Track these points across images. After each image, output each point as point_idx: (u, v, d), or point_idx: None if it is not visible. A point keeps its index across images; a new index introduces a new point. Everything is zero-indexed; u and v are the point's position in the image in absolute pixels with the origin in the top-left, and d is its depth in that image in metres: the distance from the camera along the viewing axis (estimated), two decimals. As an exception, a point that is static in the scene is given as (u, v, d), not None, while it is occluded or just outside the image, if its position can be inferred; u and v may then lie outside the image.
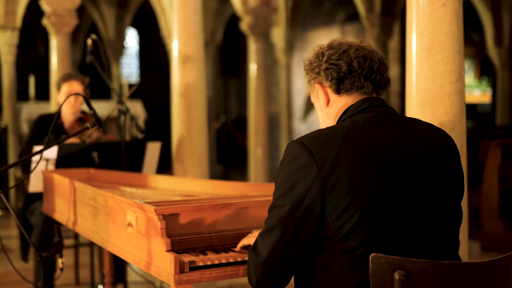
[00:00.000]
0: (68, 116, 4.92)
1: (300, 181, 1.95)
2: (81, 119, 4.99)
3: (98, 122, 3.16)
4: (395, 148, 1.99)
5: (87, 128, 3.19)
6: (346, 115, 2.09)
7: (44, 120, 4.89)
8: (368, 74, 2.09)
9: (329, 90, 2.14)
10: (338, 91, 2.12)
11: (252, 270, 2.05)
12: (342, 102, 2.13)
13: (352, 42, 2.14)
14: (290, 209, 1.96)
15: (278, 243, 1.98)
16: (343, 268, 1.94)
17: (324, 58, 2.12)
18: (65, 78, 4.92)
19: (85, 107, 4.28)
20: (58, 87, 4.92)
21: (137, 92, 16.74)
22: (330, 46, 2.13)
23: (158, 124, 14.02)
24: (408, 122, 2.09)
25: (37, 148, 4.21)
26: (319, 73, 2.14)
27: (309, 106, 14.64)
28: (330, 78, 2.11)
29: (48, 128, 4.70)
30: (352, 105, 2.10)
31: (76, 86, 4.86)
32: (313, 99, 2.24)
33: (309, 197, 1.93)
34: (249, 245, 2.38)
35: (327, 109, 2.17)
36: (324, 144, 1.95)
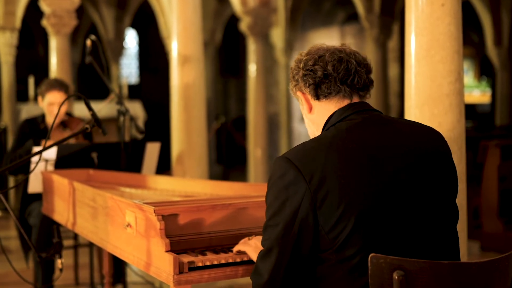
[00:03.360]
0: (50, 120, 4.90)
1: (290, 198, 1.94)
2: (63, 123, 4.96)
3: (98, 123, 3.16)
4: (382, 151, 1.97)
5: (86, 128, 3.19)
6: (330, 124, 2.08)
7: (28, 125, 4.90)
8: (345, 77, 2.07)
9: (309, 97, 2.14)
10: (317, 97, 2.11)
11: None
12: (323, 108, 2.12)
13: (330, 46, 2.13)
14: (284, 227, 1.96)
15: (278, 263, 1.98)
16: (340, 277, 1.94)
17: (301, 65, 2.12)
18: (48, 87, 4.85)
19: (80, 107, 4.28)
20: (42, 96, 4.88)
21: (136, 92, 16.76)
22: (307, 53, 2.13)
23: (158, 125, 14.02)
24: (394, 124, 2.07)
25: (36, 149, 4.21)
26: (298, 80, 2.14)
27: (308, 107, 14.61)
28: (307, 84, 2.11)
29: (32, 132, 4.74)
30: (335, 112, 2.09)
31: (58, 96, 4.81)
32: (300, 107, 2.24)
33: (301, 213, 1.93)
34: (245, 252, 2.38)
35: (311, 116, 2.17)
36: (310, 158, 1.94)
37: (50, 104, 4.79)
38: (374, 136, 2.00)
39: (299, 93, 2.17)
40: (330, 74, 2.07)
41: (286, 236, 1.96)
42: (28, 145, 4.59)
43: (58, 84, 4.89)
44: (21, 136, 4.84)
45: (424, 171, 2.00)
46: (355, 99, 2.11)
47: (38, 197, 4.42)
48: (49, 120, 4.90)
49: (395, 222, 1.94)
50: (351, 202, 1.89)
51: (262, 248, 2.21)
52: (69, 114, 5.08)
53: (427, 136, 2.09)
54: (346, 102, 2.09)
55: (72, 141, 4.67)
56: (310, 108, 2.15)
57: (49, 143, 4.37)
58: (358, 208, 1.89)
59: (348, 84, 2.08)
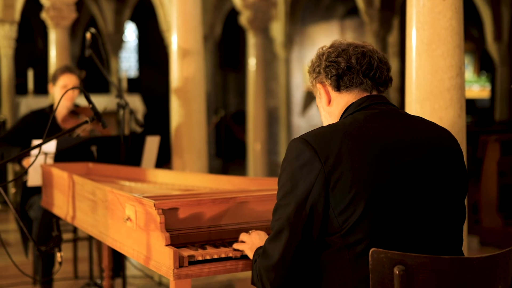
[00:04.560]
0: (61, 109, 4.90)
1: (304, 178, 1.95)
2: (74, 112, 4.98)
3: (97, 116, 3.15)
4: (397, 143, 1.99)
5: (86, 122, 3.18)
6: (348, 113, 2.11)
7: (35, 116, 4.83)
8: (367, 70, 2.10)
9: (330, 88, 2.17)
10: (338, 88, 2.14)
11: (265, 274, 2.04)
12: (343, 100, 2.15)
13: (354, 41, 2.17)
14: (295, 207, 1.96)
15: (289, 244, 1.98)
16: (346, 263, 1.94)
17: (324, 57, 2.15)
18: (62, 71, 4.89)
19: (80, 100, 4.27)
20: (54, 80, 4.88)
21: (136, 86, 16.74)
22: (330, 46, 2.17)
23: (157, 118, 14.01)
24: (410, 119, 2.10)
25: (35, 142, 4.20)
26: (320, 72, 2.17)
27: (308, 101, 14.63)
28: (329, 76, 2.13)
29: (40, 124, 4.70)
30: (353, 102, 2.12)
31: (72, 79, 4.84)
32: (317, 101, 2.27)
33: (314, 193, 1.94)
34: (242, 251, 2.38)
35: (329, 108, 2.19)
36: (326, 140, 1.96)
37: (64, 87, 4.79)
38: (389, 128, 2.02)
39: (319, 85, 2.19)
40: (354, 67, 2.10)
41: (298, 216, 1.96)
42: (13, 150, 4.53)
43: (71, 67, 4.94)
44: (23, 126, 4.77)
45: (436, 168, 2.02)
46: (374, 93, 2.13)
47: (39, 190, 4.41)
48: (58, 109, 4.88)
49: (403, 213, 1.95)
50: (362, 187, 1.90)
51: (258, 246, 2.22)
52: (76, 105, 5.07)
53: (441, 136, 2.11)
54: (365, 94, 2.12)
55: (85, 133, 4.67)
56: (329, 101, 2.18)
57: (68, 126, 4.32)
58: (368, 194, 1.91)
59: (370, 78, 2.11)
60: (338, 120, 2.15)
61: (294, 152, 1.99)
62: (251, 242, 2.34)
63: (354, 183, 1.91)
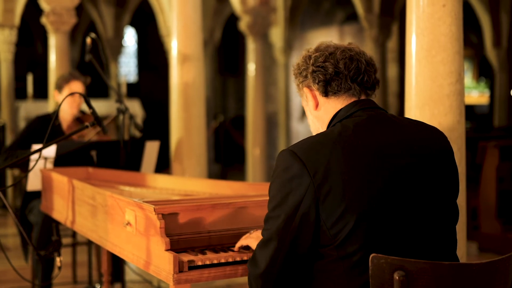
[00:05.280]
0: (66, 116, 4.90)
1: (293, 191, 1.94)
2: (79, 119, 4.98)
3: (98, 121, 3.15)
4: (386, 149, 1.98)
5: (86, 126, 3.18)
6: (336, 120, 2.09)
7: (41, 121, 4.81)
8: (355, 75, 2.08)
9: (317, 93, 2.14)
10: (326, 94, 2.11)
11: (253, 282, 2.07)
12: (330, 105, 2.13)
13: (339, 44, 2.14)
14: (285, 219, 1.96)
15: (276, 255, 1.99)
16: (341, 274, 1.94)
17: (311, 61, 2.12)
18: (67, 78, 4.88)
19: (84, 107, 4.27)
20: (60, 88, 4.88)
21: (135, 91, 16.75)
22: (316, 49, 2.14)
23: (156, 123, 14.02)
24: (398, 122, 2.08)
25: (35, 146, 4.20)
26: (307, 76, 2.14)
27: (307, 106, 14.62)
28: (317, 81, 2.11)
29: (45, 130, 4.68)
30: (341, 109, 2.10)
31: (78, 86, 4.84)
32: (303, 103, 2.24)
33: (303, 207, 1.93)
34: (247, 246, 2.39)
35: (316, 113, 2.17)
36: (315, 153, 1.95)
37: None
38: (378, 134, 2.01)
39: (305, 89, 2.16)
40: (341, 72, 2.08)
41: (287, 228, 1.96)
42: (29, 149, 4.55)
43: (77, 74, 4.93)
44: (31, 132, 4.77)
45: (427, 170, 2.01)
46: (363, 98, 2.12)
47: (39, 194, 4.41)
48: (63, 115, 4.89)
49: (397, 219, 1.95)
50: (353, 199, 1.90)
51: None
52: (82, 112, 5.07)
53: (431, 135, 2.10)
54: (353, 100, 2.11)
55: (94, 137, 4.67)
56: (317, 105, 2.16)
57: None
58: (360, 206, 1.90)
59: (358, 83, 2.09)
60: (326, 126, 2.13)
61: (283, 164, 1.98)
62: (256, 236, 2.34)
63: (344, 196, 1.90)
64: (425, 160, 2.02)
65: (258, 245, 2.06)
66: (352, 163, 1.93)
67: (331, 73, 2.08)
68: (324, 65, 2.09)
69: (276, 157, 2.04)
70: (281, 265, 1.99)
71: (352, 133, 1.99)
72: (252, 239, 2.35)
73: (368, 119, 2.04)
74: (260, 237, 2.26)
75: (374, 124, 2.03)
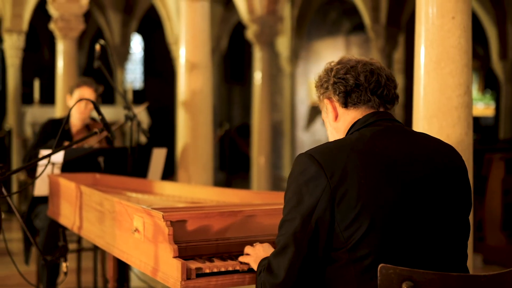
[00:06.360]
0: (76, 121, 4.93)
1: (310, 193, 1.96)
2: (88, 126, 5.00)
3: (107, 127, 3.17)
4: (403, 160, 2.00)
5: (95, 133, 3.20)
6: (354, 129, 2.12)
7: (52, 125, 4.89)
8: (375, 88, 2.12)
9: (337, 104, 2.18)
10: (345, 105, 2.15)
11: None
12: (350, 116, 2.16)
13: (361, 58, 2.18)
14: (301, 221, 1.97)
15: (295, 261, 1.98)
16: (351, 278, 1.95)
17: (333, 73, 2.16)
18: (79, 84, 4.92)
19: (94, 114, 4.28)
20: (71, 92, 4.92)
21: (141, 97, 16.78)
22: (338, 62, 2.18)
23: (162, 130, 14.04)
24: (416, 136, 2.12)
25: (44, 152, 4.22)
26: (328, 87, 2.18)
27: (312, 116, 14.65)
28: (337, 92, 2.14)
29: (55, 133, 4.70)
30: (359, 119, 2.13)
31: (88, 92, 4.86)
32: (323, 115, 2.28)
33: (319, 209, 1.95)
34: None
35: (335, 124, 2.20)
36: (332, 156, 1.98)
37: (78, 99, 4.80)
38: (395, 144, 2.03)
39: (326, 101, 2.20)
40: (362, 84, 2.11)
41: (303, 231, 1.97)
42: (50, 144, 4.58)
43: (89, 81, 4.94)
44: (44, 135, 4.82)
45: (441, 184, 2.03)
46: (381, 110, 2.15)
47: (46, 199, 4.42)
48: (73, 120, 4.91)
49: (409, 227, 1.96)
50: (368, 203, 1.92)
51: (262, 257, 2.22)
52: (93, 119, 5.09)
53: (446, 151, 2.12)
54: (372, 111, 2.13)
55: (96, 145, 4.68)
56: (336, 116, 2.19)
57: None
58: (375, 209, 1.92)
59: (377, 95, 2.12)
60: (343, 135, 2.16)
61: (300, 167, 2.00)
62: (255, 254, 2.35)
63: (359, 199, 1.92)
64: (440, 174, 2.04)
65: (274, 253, 2.06)
66: (369, 168, 1.95)
67: (351, 84, 2.11)
68: (345, 77, 2.12)
69: (293, 162, 2.05)
70: (299, 271, 1.99)
71: (370, 141, 2.02)
72: (251, 258, 2.35)
73: (385, 129, 2.07)
74: (260, 254, 2.29)
75: (391, 135, 2.06)
